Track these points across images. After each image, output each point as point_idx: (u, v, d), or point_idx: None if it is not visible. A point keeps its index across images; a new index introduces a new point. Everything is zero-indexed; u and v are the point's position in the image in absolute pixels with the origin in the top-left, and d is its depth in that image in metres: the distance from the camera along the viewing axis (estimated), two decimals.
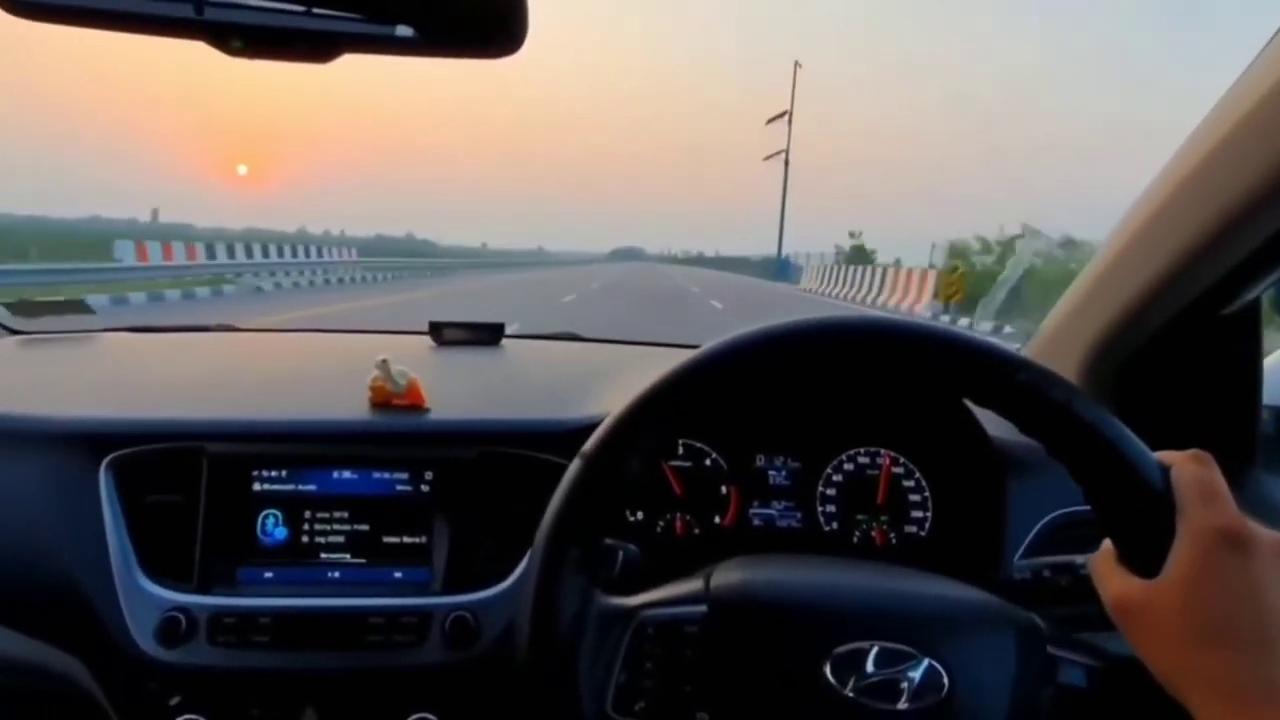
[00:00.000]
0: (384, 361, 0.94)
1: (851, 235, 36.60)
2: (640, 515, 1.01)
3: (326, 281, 20.02)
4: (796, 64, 50.21)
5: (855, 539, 1.01)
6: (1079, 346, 0.96)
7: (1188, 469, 0.51)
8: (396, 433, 0.92)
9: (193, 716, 0.81)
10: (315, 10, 0.52)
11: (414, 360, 1.02)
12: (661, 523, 1.01)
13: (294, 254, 21.50)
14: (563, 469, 0.58)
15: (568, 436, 0.84)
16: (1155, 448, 0.53)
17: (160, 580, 0.83)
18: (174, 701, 0.81)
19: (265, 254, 19.93)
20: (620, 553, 0.70)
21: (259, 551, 0.87)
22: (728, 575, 0.62)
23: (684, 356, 0.57)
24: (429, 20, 0.54)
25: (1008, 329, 10.28)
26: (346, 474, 0.89)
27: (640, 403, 0.57)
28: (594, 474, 0.56)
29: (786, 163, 49.36)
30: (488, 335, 1.40)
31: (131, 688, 0.82)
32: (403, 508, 0.89)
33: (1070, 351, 0.97)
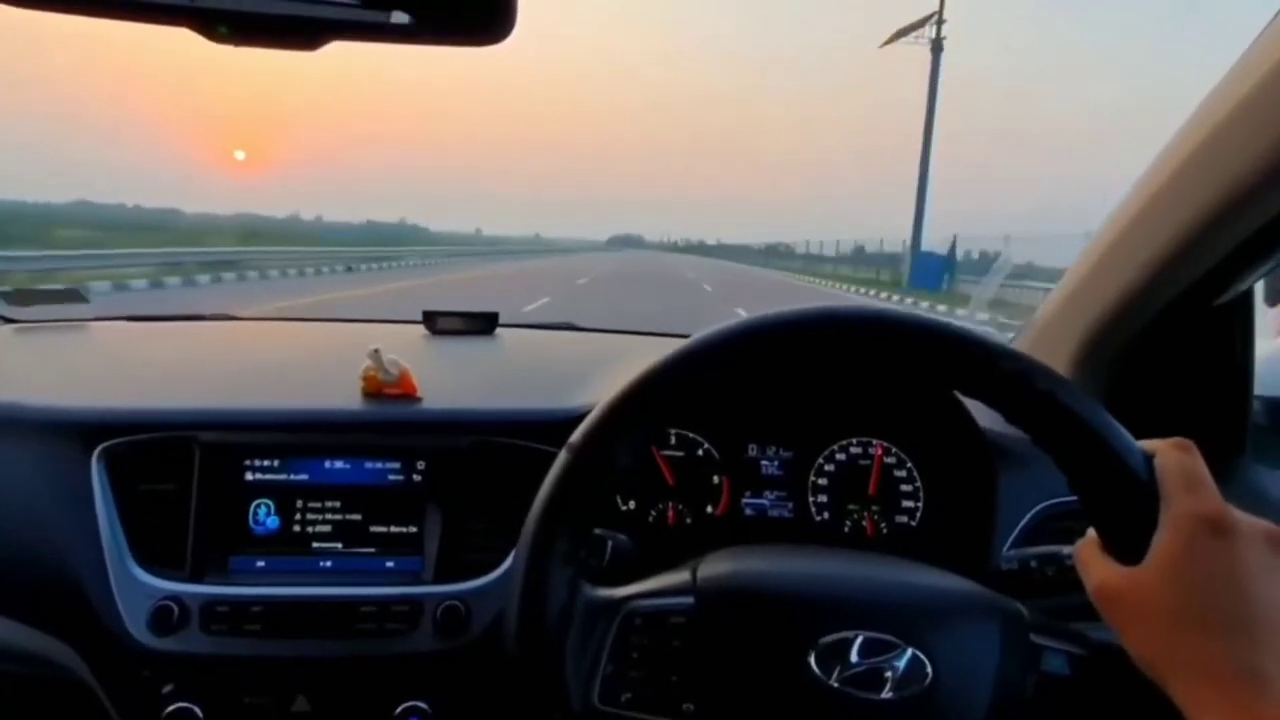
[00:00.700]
0: (376, 351, 0.94)
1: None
2: (632, 505, 1.01)
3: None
4: None
5: (846, 529, 1.02)
6: (1071, 337, 0.96)
7: (1171, 457, 0.51)
8: (388, 422, 0.92)
9: (185, 704, 0.82)
10: None
11: (407, 349, 1.02)
12: (653, 512, 1.01)
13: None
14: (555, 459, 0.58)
15: (561, 426, 0.84)
16: (1146, 437, 0.53)
17: (153, 569, 0.84)
18: (167, 689, 0.82)
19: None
20: (609, 543, 0.70)
21: (251, 540, 0.87)
22: (714, 567, 0.62)
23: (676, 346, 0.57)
24: (415, 7, 0.54)
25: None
26: (338, 463, 0.89)
27: (628, 393, 0.57)
28: (581, 465, 0.56)
29: (938, 46, 27.11)
30: (482, 324, 1.40)
31: (124, 675, 0.82)
32: (395, 497, 0.89)
33: (1063, 342, 0.97)
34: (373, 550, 0.88)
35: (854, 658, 0.56)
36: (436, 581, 0.86)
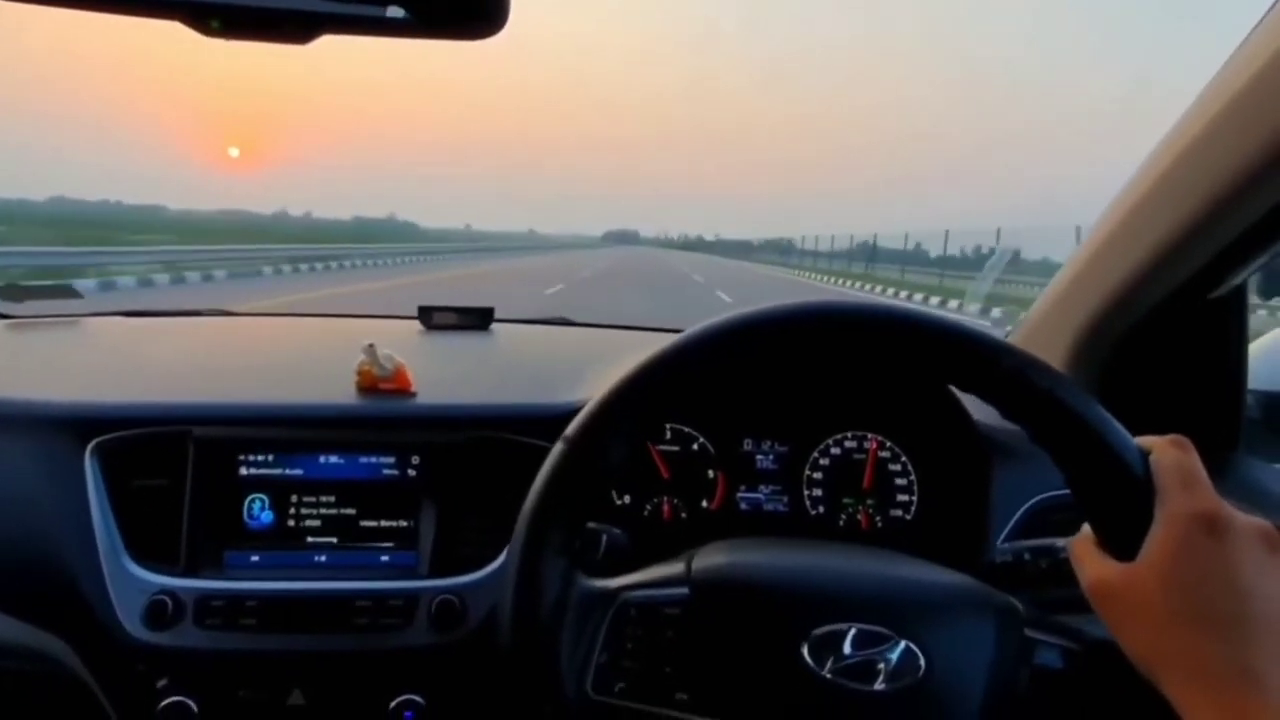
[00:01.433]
0: (370, 346, 0.94)
1: None
2: (628, 499, 1.01)
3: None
4: None
5: (841, 523, 1.02)
6: (1066, 332, 0.96)
7: (1168, 454, 0.51)
8: (383, 417, 0.92)
9: (180, 698, 0.81)
10: None
11: (403, 345, 1.02)
12: (649, 506, 1.01)
13: None
14: None
15: (555, 421, 0.84)
16: (1141, 432, 0.53)
17: (147, 564, 0.84)
18: (161, 683, 0.82)
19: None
20: (604, 537, 0.70)
21: (246, 535, 0.87)
22: (709, 558, 0.63)
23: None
24: (407, 1, 0.54)
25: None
26: (333, 458, 0.89)
27: (623, 386, 0.57)
28: (575, 458, 0.56)
29: None
30: (477, 320, 1.39)
31: (119, 670, 0.82)
32: (389, 492, 0.89)
33: (1057, 337, 0.97)
34: (368, 545, 0.88)
35: (847, 649, 0.56)
36: (431, 576, 0.86)
